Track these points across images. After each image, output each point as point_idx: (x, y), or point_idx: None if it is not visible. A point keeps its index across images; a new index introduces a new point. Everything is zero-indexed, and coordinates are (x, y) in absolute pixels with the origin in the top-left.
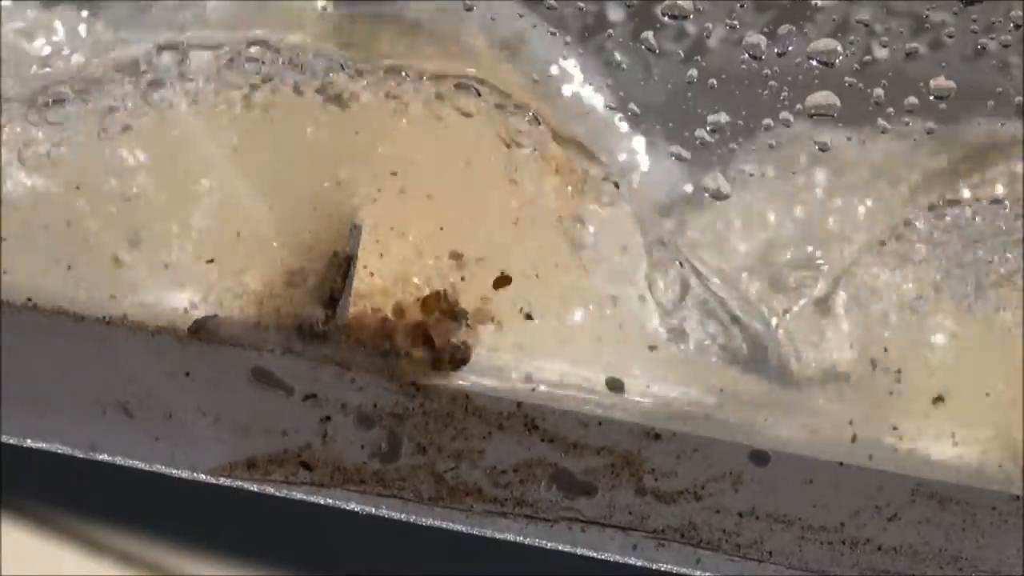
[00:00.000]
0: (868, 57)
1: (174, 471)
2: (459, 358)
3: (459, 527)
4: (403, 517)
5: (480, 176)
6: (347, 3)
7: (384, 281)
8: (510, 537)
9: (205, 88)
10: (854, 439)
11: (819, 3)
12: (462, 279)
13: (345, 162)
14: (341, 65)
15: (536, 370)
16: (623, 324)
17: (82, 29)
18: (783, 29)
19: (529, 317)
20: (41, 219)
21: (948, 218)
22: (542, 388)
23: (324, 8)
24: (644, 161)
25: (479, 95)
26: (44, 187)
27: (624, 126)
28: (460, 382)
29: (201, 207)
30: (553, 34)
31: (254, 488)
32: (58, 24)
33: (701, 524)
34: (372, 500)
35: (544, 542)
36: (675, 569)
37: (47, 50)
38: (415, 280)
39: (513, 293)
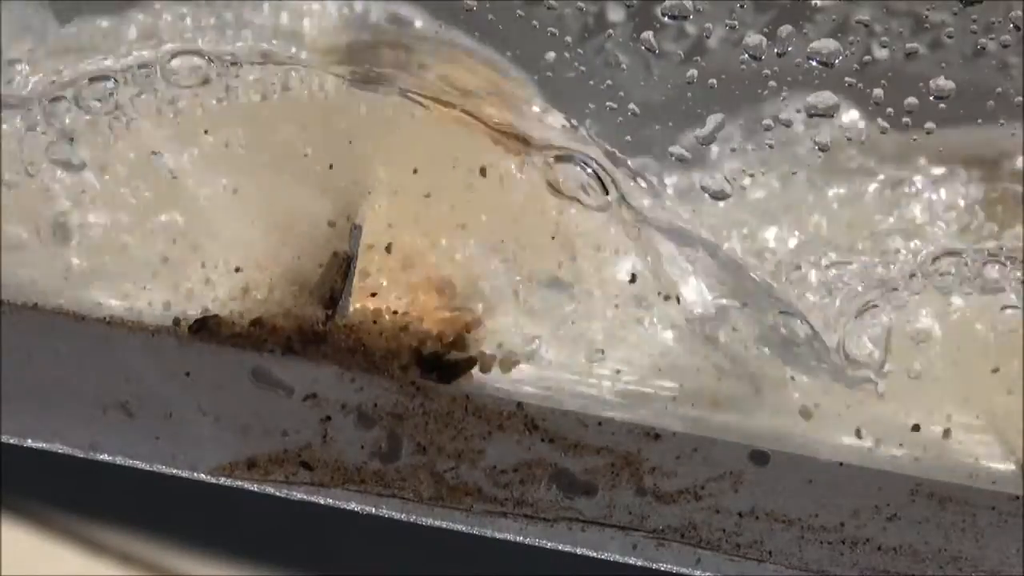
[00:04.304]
0: (868, 57)
1: (174, 471)
2: (459, 355)
3: (459, 527)
4: (403, 517)
5: (480, 178)
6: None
7: (385, 280)
8: (510, 537)
9: (201, 87)
10: (856, 438)
11: (819, 3)
12: (463, 277)
13: (346, 162)
14: (343, 67)
15: (537, 369)
16: (623, 325)
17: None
18: (783, 29)
19: (529, 316)
20: (41, 221)
21: (946, 219)
22: (542, 388)
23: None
24: (643, 162)
25: (479, 96)
26: (43, 189)
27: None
28: (460, 382)
29: (200, 207)
30: (553, 34)
31: (254, 488)
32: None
33: (701, 524)
34: (372, 500)
35: (544, 542)
36: (675, 569)
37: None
38: (415, 279)
39: (513, 293)
